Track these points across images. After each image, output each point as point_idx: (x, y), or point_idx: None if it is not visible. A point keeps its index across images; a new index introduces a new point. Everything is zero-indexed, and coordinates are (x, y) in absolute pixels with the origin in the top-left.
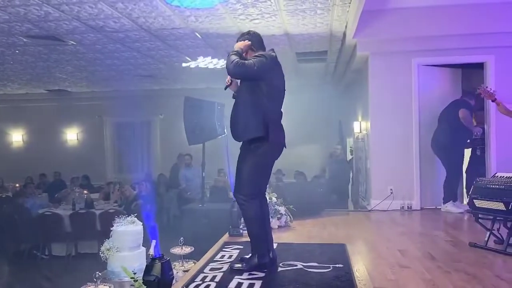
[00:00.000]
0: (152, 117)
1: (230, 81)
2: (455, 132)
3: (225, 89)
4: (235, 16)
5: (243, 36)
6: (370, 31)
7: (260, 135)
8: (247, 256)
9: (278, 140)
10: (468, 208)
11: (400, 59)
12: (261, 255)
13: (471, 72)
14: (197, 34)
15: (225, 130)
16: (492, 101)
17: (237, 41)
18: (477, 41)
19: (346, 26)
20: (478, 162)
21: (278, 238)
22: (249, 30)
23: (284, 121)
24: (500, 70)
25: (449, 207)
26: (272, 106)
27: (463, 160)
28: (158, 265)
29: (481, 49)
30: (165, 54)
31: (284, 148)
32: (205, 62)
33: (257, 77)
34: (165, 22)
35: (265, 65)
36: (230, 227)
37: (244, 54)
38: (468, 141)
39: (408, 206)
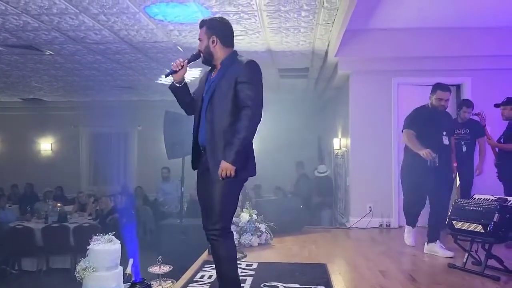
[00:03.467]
0: (130, 128)
1: (180, 67)
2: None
3: (166, 76)
4: None
5: (205, 23)
6: (352, 50)
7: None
8: None
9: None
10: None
11: (380, 78)
12: None
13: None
14: (179, 48)
15: None
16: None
17: (200, 27)
18: (454, 64)
19: (328, 45)
20: (465, 162)
21: (259, 256)
22: (209, 20)
23: (263, 134)
24: (476, 92)
25: (436, 248)
26: None
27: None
28: None
29: (458, 71)
30: (146, 66)
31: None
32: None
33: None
34: (147, 36)
35: (261, 91)
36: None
37: (213, 49)
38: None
39: (386, 224)
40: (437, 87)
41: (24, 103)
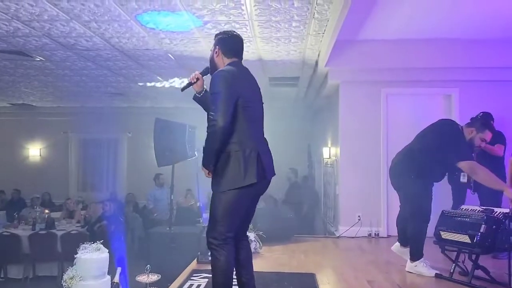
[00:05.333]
0: (120, 134)
1: (196, 79)
2: None
3: (183, 89)
4: (210, 40)
5: (215, 35)
6: (342, 60)
7: None
8: None
9: None
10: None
11: (370, 88)
12: None
13: None
14: (171, 56)
15: (196, 153)
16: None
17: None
18: (442, 75)
19: (318, 55)
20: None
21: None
22: (218, 34)
23: None
24: (464, 103)
25: (420, 268)
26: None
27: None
28: None
29: (446, 82)
30: (137, 73)
31: None
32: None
33: (225, 124)
34: (138, 43)
35: (223, 99)
36: (199, 253)
37: (216, 59)
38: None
39: (375, 233)
40: (488, 126)
41: (13, 108)
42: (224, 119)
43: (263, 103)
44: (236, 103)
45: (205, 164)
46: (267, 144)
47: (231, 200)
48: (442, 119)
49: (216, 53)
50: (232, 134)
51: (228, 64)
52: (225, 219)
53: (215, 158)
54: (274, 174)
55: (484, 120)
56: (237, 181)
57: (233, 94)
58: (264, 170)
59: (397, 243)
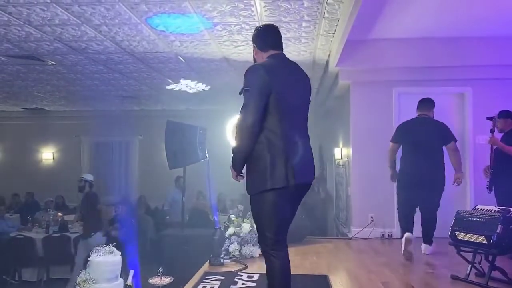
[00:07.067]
0: (132, 137)
1: None
2: None
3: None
4: (220, 42)
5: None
6: (352, 60)
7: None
8: None
9: None
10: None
11: (381, 88)
12: None
13: None
14: (181, 58)
15: (207, 155)
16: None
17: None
18: (455, 74)
19: (329, 55)
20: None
21: (260, 267)
22: (256, 28)
23: None
24: (477, 101)
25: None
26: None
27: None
28: None
29: (459, 81)
30: (148, 76)
31: None
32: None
33: (254, 120)
34: (149, 46)
35: (253, 96)
36: (211, 256)
37: (256, 56)
38: None
39: (388, 234)
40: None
41: (26, 112)
42: (252, 117)
43: (309, 95)
44: (268, 99)
45: (232, 164)
46: (305, 141)
47: (263, 202)
48: None
49: (254, 51)
50: (261, 133)
51: (267, 58)
52: (265, 222)
53: (243, 159)
54: (309, 178)
55: None
56: (262, 184)
57: (264, 89)
58: (293, 174)
59: (427, 245)
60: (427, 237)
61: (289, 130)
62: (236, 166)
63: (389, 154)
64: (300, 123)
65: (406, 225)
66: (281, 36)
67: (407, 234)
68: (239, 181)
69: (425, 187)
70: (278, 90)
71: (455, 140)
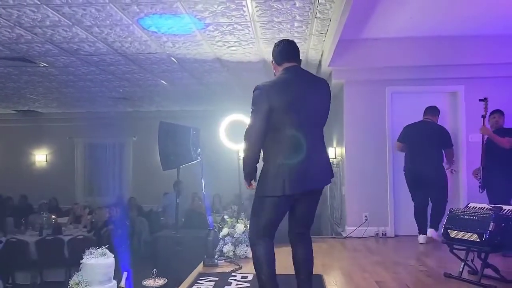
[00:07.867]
0: (125, 139)
1: None
2: None
3: None
4: (213, 43)
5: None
6: (345, 60)
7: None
8: None
9: None
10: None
11: (374, 87)
12: None
13: None
14: (173, 59)
15: (199, 156)
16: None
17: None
18: (447, 72)
19: (321, 55)
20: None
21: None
22: (275, 44)
23: None
24: (470, 99)
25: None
26: None
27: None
28: None
29: (451, 79)
30: (141, 77)
31: None
32: None
33: (257, 129)
34: (141, 47)
35: (255, 117)
36: (205, 256)
37: (274, 71)
38: None
39: (382, 233)
40: None
41: (18, 114)
42: (254, 135)
43: (326, 104)
44: (269, 116)
45: (244, 176)
46: (316, 150)
47: (263, 203)
48: None
49: (273, 66)
50: (266, 145)
51: (281, 71)
52: (259, 217)
53: (250, 171)
54: (315, 185)
55: None
56: (262, 191)
57: (263, 108)
58: (290, 185)
59: (424, 235)
60: (434, 223)
61: (295, 141)
62: (245, 177)
63: (398, 150)
64: (311, 133)
65: (420, 225)
66: (296, 48)
67: (420, 237)
68: (253, 188)
69: (428, 181)
70: (280, 105)
71: (452, 145)
